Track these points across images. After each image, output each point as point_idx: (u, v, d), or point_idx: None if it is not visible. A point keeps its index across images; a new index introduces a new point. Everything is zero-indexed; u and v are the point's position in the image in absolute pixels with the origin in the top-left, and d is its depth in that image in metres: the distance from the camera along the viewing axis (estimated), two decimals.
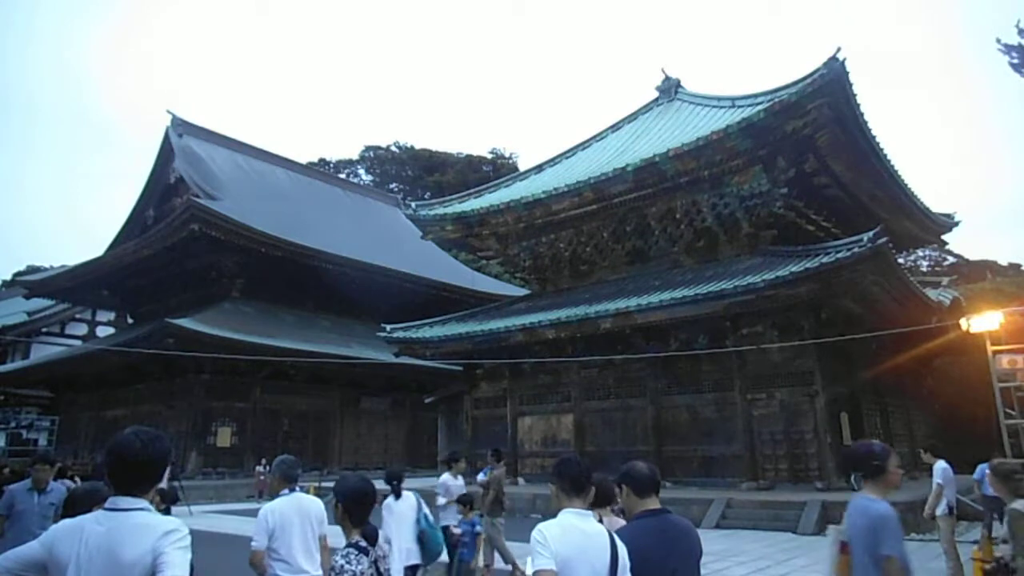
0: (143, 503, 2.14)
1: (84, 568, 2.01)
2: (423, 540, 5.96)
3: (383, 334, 22.32)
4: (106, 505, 2.13)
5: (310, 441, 28.20)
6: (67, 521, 2.23)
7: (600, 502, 4.47)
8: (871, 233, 13.92)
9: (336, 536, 3.06)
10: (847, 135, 16.44)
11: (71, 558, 2.03)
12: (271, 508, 4.45)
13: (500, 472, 9.92)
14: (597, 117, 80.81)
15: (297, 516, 4.40)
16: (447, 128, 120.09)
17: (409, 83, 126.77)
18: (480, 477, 10.37)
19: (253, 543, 4.33)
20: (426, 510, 6.19)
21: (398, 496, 6.10)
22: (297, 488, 4.66)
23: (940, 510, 8.80)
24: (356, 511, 2.97)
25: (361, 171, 70.12)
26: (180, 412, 26.05)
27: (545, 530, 2.59)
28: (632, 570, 2.75)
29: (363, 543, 2.77)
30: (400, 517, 5.97)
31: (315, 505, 4.54)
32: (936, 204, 21.72)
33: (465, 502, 7.88)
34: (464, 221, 22.97)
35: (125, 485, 2.15)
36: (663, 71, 24.06)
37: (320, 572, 4.35)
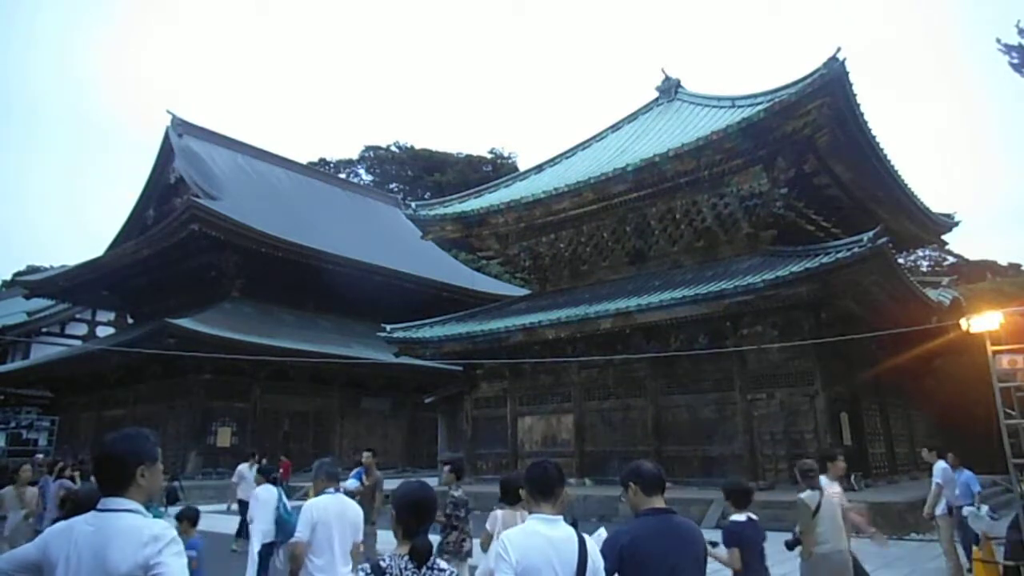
0: (133, 504, 2.12)
1: (72, 568, 2.01)
2: (279, 523, 7.14)
3: (383, 334, 22.32)
4: (98, 506, 2.13)
5: (310, 441, 28.17)
6: (61, 522, 2.24)
7: (515, 499, 4.52)
8: (871, 233, 13.91)
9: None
10: (847, 135, 16.43)
11: (60, 557, 2.03)
12: (314, 504, 4.54)
13: (379, 475, 9.50)
14: (597, 117, 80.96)
15: (336, 517, 4.44)
16: (447, 128, 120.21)
17: (409, 83, 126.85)
18: (350, 483, 9.10)
19: (296, 535, 4.44)
20: (284, 500, 7.41)
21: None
22: (340, 489, 4.68)
23: (940, 510, 8.79)
24: (407, 521, 2.62)
25: (361, 171, 70.14)
26: (180, 412, 26.03)
27: (507, 539, 2.59)
28: (631, 567, 2.75)
29: (383, 562, 2.45)
30: (264, 504, 7.31)
31: (354, 509, 4.57)
32: (936, 204, 21.75)
33: (185, 517, 5.80)
34: (464, 221, 22.96)
35: (102, 484, 2.16)
36: (663, 71, 24.09)
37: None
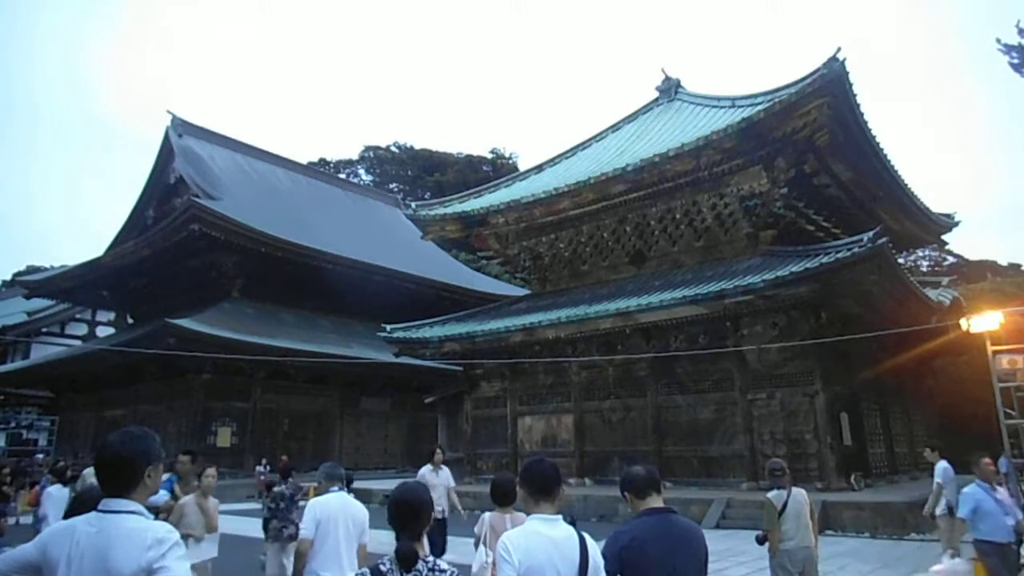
0: (135, 505, 2.12)
1: (74, 569, 2.00)
2: None
3: (383, 334, 22.30)
4: (99, 506, 2.12)
5: (310, 441, 28.18)
6: (61, 522, 2.23)
7: (504, 502, 4.53)
8: (871, 233, 13.90)
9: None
10: (847, 135, 16.42)
11: (61, 558, 2.02)
12: (319, 501, 4.54)
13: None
14: (597, 117, 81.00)
15: (342, 514, 4.43)
16: (447, 128, 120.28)
17: (409, 83, 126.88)
18: (159, 497, 6.59)
19: (302, 532, 4.42)
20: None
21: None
22: (345, 488, 4.67)
23: (940, 510, 8.81)
24: (395, 522, 2.53)
25: (361, 171, 70.21)
26: (180, 412, 26.03)
27: (509, 541, 2.56)
28: (632, 567, 2.75)
29: (383, 565, 2.40)
30: (57, 502, 7.92)
31: (359, 509, 4.54)
32: (936, 204, 21.74)
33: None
34: (464, 221, 22.95)
35: (108, 485, 2.15)
36: (663, 71, 24.07)
37: None
